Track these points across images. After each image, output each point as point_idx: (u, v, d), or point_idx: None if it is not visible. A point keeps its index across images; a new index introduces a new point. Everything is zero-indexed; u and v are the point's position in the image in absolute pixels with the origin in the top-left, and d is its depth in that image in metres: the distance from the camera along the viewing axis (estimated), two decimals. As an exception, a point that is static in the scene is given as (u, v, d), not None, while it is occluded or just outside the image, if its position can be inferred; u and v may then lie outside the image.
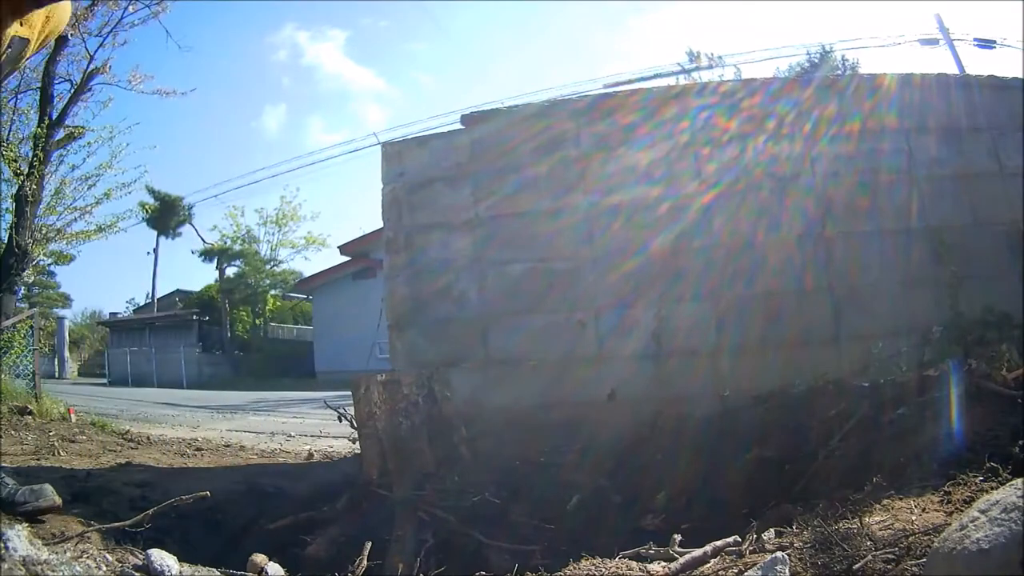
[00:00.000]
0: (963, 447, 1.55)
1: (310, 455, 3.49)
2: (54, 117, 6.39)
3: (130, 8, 6.51)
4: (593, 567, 1.38)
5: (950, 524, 1.10)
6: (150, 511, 1.58)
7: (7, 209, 6.21)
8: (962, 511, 1.19)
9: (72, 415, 4.59)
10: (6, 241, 6.07)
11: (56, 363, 19.82)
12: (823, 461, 1.76)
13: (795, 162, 2.60)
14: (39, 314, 7.39)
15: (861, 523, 1.26)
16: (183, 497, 1.62)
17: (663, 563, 1.39)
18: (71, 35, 6.23)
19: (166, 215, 23.39)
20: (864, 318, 2.48)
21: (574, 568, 1.40)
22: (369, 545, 1.55)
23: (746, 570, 1.23)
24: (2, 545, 1.34)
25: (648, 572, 1.36)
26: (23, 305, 6.68)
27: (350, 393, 2.05)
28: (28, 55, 1.67)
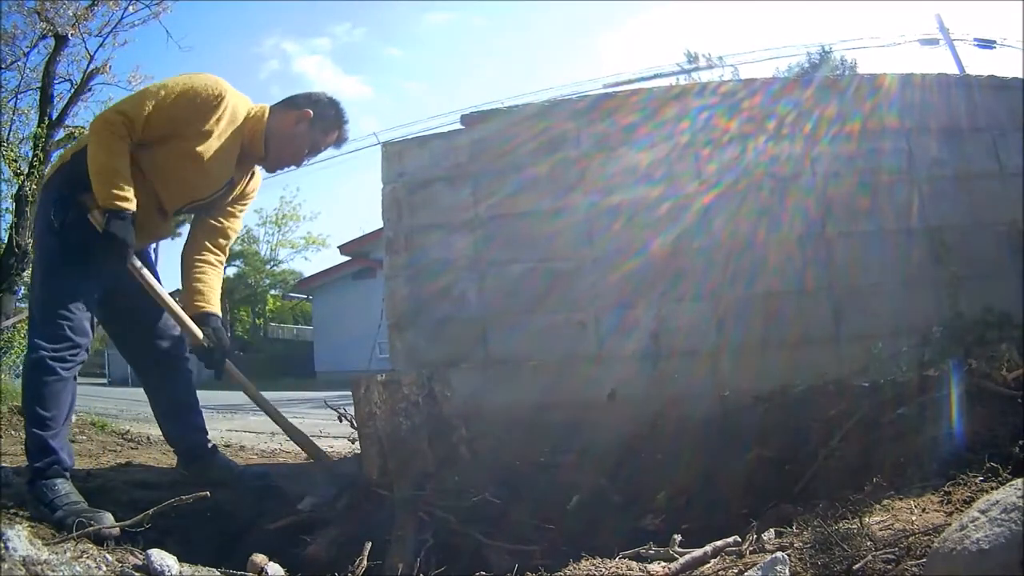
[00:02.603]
0: (963, 447, 1.55)
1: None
2: (54, 117, 6.39)
3: (130, 8, 6.53)
4: (593, 567, 1.38)
5: (950, 524, 1.10)
6: (150, 511, 1.58)
7: (7, 209, 6.23)
8: (962, 511, 1.19)
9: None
10: (6, 241, 6.08)
11: (56, 363, 19.76)
12: (823, 461, 1.76)
13: (795, 162, 2.60)
14: (39, 314, 7.36)
15: (861, 523, 1.26)
16: (183, 497, 1.62)
17: (663, 563, 1.39)
18: (71, 35, 6.24)
19: (166, 215, 23.36)
20: (864, 318, 2.48)
21: (574, 568, 1.40)
22: (369, 545, 1.55)
23: (746, 570, 1.23)
24: (2, 545, 1.34)
25: (648, 572, 1.36)
26: (23, 305, 6.68)
27: (350, 393, 2.04)
28: None
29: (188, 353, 2.34)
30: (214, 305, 2.25)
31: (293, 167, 2.33)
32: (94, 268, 1.98)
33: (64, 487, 1.83)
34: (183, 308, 2.18)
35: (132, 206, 1.94)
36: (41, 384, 1.87)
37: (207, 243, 2.31)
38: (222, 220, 2.33)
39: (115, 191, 1.90)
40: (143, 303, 2.19)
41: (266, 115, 2.20)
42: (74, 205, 1.96)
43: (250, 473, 2.46)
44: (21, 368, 2.17)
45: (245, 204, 2.42)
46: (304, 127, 2.20)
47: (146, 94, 1.99)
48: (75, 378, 1.97)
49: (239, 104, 2.14)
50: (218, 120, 2.07)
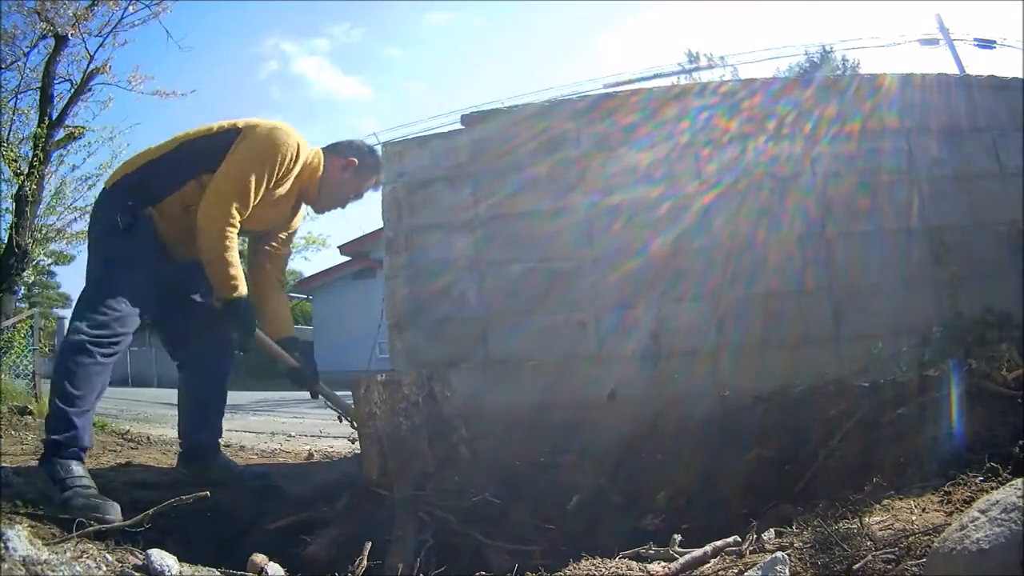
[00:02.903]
0: (963, 447, 1.55)
1: (310, 455, 3.49)
2: (54, 117, 6.40)
3: (130, 8, 6.53)
4: (593, 567, 1.38)
5: (950, 524, 1.10)
6: (150, 511, 1.58)
7: (7, 209, 6.25)
8: (962, 511, 1.19)
9: (72, 415, 4.57)
10: (6, 241, 6.09)
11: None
12: (823, 461, 1.76)
13: (795, 162, 2.60)
14: (39, 314, 7.39)
15: (861, 523, 1.26)
16: (183, 497, 1.62)
17: (663, 563, 1.39)
18: (71, 35, 6.25)
19: (166, 215, 23.39)
20: (864, 318, 2.48)
21: (574, 568, 1.40)
22: (369, 545, 1.55)
23: (746, 570, 1.23)
24: (2, 545, 1.34)
25: (648, 572, 1.36)
26: (23, 305, 6.69)
27: (350, 393, 2.04)
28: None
29: (232, 355, 2.51)
30: (290, 329, 2.48)
31: (339, 208, 2.53)
32: (151, 270, 2.12)
33: (79, 470, 1.86)
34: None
35: (244, 292, 2.19)
36: (75, 364, 1.94)
37: (269, 268, 2.51)
38: (277, 246, 2.53)
39: (232, 283, 2.15)
40: (191, 306, 2.35)
41: (322, 163, 2.38)
42: (141, 216, 2.11)
43: (250, 473, 2.48)
44: (60, 348, 2.24)
45: (294, 230, 2.63)
46: (350, 174, 2.42)
47: (248, 175, 2.12)
48: (110, 368, 2.03)
49: (302, 153, 2.29)
50: (291, 176, 2.26)
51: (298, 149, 2.23)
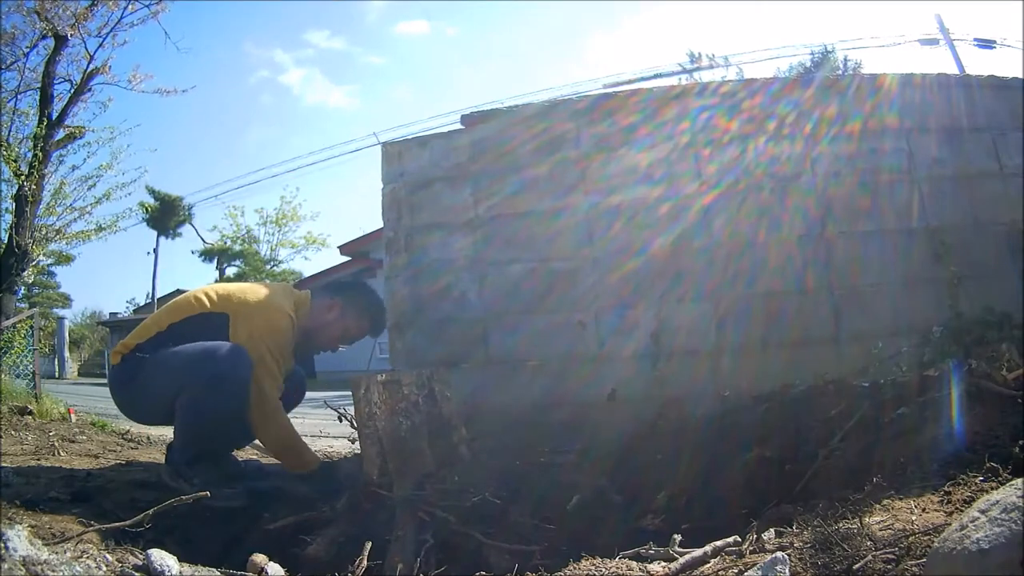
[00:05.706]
0: (963, 447, 1.55)
1: (310, 455, 3.48)
2: (54, 117, 6.40)
3: (129, 8, 6.53)
4: (593, 567, 1.38)
5: (950, 524, 1.09)
6: (150, 511, 1.58)
7: (7, 209, 6.24)
8: (962, 511, 1.19)
9: (72, 415, 4.59)
10: (6, 241, 6.09)
11: (56, 363, 19.84)
12: (823, 461, 1.76)
13: (796, 162, 2.60)
14: (39, 314, 7.39)
15: (861, 523, 1.25)
16: (183, 497, 1.62)
17: (663, 563, 1.39)
18: (71, 35, 6.24)
19: (166, 215, 23.47)
20: (864, 318, 2.48)
21: (574, 568, 1.40)
22: (369, 545, 1.55)
23: (746, 570, 1.22)
24: (2, 545, 1.34)
25: (648, 572, 1.35)
26: (23, 305, 6.69)
27: (350, 393, 2.04)
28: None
29: None
30: None
31: (330, 351, 2.52)
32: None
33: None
34: None
35: (317, 463, 2.33)
36: None
37: None
38: None
39: (307, 460, 2.31)
40: None
41: (308, 309, 2.39)
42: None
43: (250, 472, 2.47)
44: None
45: None
46: (335, 315, 2.42)
47: (265, 352, 2.19)
48: None
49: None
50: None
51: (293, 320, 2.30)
